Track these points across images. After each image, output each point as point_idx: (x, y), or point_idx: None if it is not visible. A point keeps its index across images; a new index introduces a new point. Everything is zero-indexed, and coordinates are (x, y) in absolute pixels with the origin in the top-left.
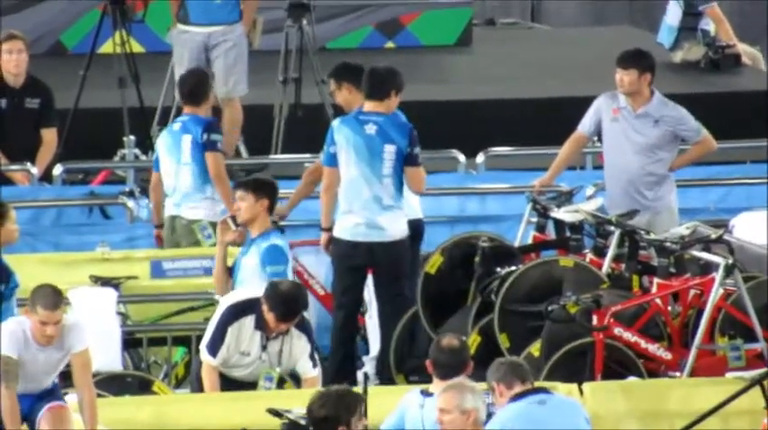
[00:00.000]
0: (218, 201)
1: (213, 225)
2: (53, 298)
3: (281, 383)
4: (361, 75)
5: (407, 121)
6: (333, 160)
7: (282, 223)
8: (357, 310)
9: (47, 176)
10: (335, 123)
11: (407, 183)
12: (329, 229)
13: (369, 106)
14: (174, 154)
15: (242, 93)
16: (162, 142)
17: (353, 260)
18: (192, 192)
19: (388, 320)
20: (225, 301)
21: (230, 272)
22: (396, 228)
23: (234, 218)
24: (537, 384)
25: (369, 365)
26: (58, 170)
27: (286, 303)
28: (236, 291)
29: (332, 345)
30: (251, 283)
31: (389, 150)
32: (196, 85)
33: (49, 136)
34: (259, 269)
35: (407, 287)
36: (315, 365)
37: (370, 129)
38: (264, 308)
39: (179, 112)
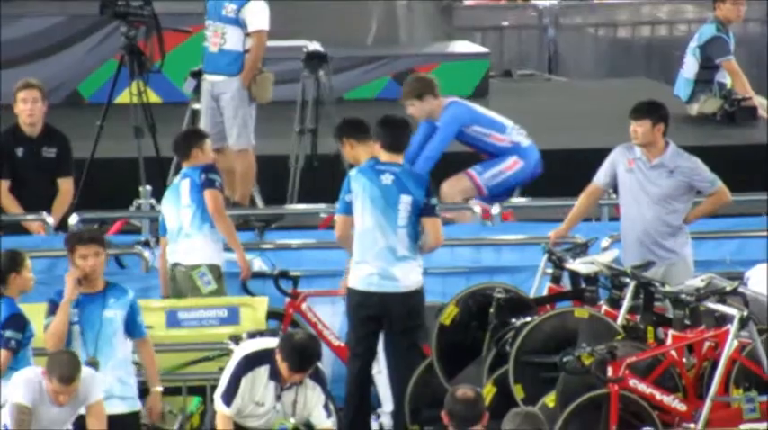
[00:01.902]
0: (216, 244)
1: (212, 269)
2: (69, 371)
3: None
4: (360, 128)
5: (424, 173)
6: (347, 208)
7: (296, 273)
8: (371, 361)
9: (63, 226)
10: (353, 172)
11: (426, 235)
12: None
13: (385, 157)
14: (174, 200)
15: (245, 145)
16: (164, 198)
17: (367, 310)
18: (192, 233)
19: (402, 372)
20: (240, 351)
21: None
22: (410, 279)
23: (83, 276)
24: None
25: (385, 418)
26: (73, 219)
27: (300, 354)
28: (250, 341)
29: (347, 396)
30: (120, 334)
31: (405, 201)
32: (181, 140)
33: (66, 185)
34: (123, 320)
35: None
36: (329, 415)
37: (387, 179)
38: (278, 358)
39: (178, 169)
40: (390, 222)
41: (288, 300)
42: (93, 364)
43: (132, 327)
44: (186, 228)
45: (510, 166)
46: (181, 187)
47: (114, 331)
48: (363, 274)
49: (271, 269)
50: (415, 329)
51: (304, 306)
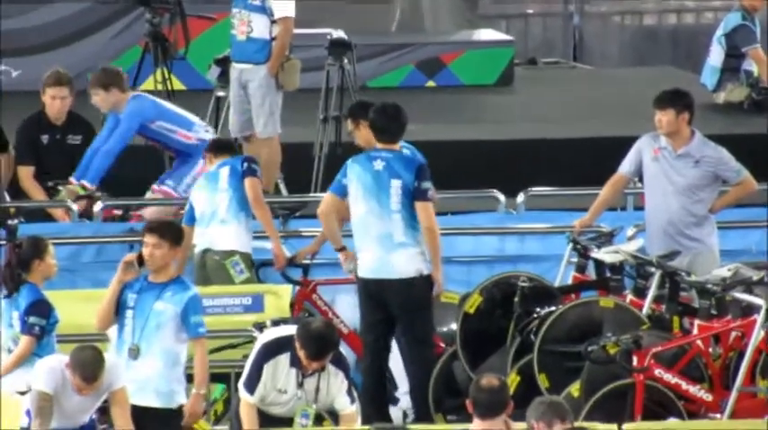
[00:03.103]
0: (249, 233)
1: (244, 259)
2: (92, 371)
3: (318, 420)
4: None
5: (419, 158)
6: (339, 189)
7: (308, 261)
8: (385, 350)
9: (87, 213)
10: (350, 161)
11: (419, 219)
12: (343, 248)
13: (380, 146)
14: (211, 186)
15: (272, 134)
16: (197, 185)
17: (370, 298)
18: (228, 219)
19: (410, 364)
20: (261, 339)
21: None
22: (408, 267)
23: (140, 259)
24: (577, 424)
25: (404, 400)
26: (98, 207)
27: (317, 342)
28: (271, 329)
29: (363, 384)
30: (169, 329)
31: (396, 185)
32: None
33: None
34: (177, 316)
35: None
36: (353, 401)
37: (378, 165)
38: (297, 346)
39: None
40: (384, 208)
41: (298, 288)
42: (134, 351)
43: (186, 326)
44: (222, 214)
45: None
46: (220, 173)
47: (160, 324)
48: (364, 262)
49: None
50: (418, 319)
51: (315, 295)
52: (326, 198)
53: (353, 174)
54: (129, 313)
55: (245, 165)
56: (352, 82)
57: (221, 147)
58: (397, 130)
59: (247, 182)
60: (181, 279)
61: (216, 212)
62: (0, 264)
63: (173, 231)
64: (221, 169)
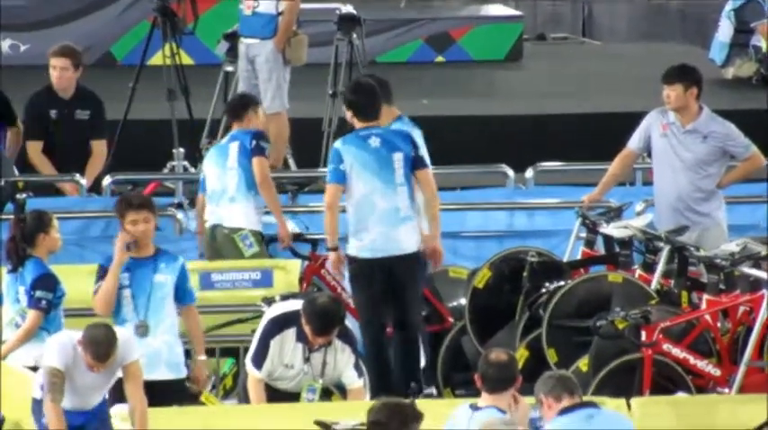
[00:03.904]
0: (259, 210)
1: (254, 234)
2: (105, 349)
3: (327, 395)
4: (387, 89)
5: (407, 128)
6: (341, 177)
7: (311, 236)
8: (384, 326)
9: (96, 187)
10: (338, 144)
11: (422, 187)
12: (336, 248)
13: (362, 125)
14: (220, 161)
15: (279, 108)
16: (209, 157)
17: (372, 277)
18: (237, 197)
19: (417, 330)
20: (267, 314)
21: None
22: (412, 241)
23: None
24: (585, 399)
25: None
26: (107, 181)
27: (321, 317)
28: (278, 303)
29: (367, 363)
30: (170, 299)
31: (398, 158)
32: (237, 101)
33: (99, 147)
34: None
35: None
36: (360, 375)
37: (375, 142)
38: (303, 321)
39: (227, 130)
40: (389, 183)
41: (307, 263)
42: (143, 328)
43: (182, 293)
44: (231, 192)
45: None
46: (229, 149)
47: (164, 296)
48: (365, 242)
49: (304, 232)
50: (416, 292)
51: (323, 270)
52: (332, 190)
53: (350, 156)
54: (125, 292)
55: (254, 143)
56: (361, 57)
57: (228, 111)
58: (379, 106)
59: (255, 161)
60: (164, 249)
61: (225, 190)
62: (3, 238)
63: (153, 203)
64: (231, 144)
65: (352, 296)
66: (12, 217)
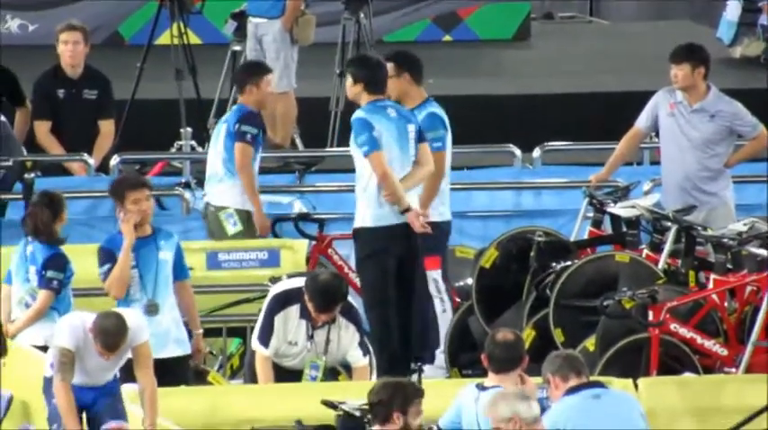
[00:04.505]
0: (249, 190)
1: (239, 213)
2: (114, 340)
3: (334, 375)
4: (419, 69)
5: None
6: (378, 143)
7: (318, 216)
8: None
9: (104, 167)
10: (362, 114)
11: (423, 162)
12: (410, 209)
13: (373, 97)
14: (213, 142)
15: (287, 88)
16: (211, 140)
17: (390, 245)
18: (224, 178)
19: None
20: (272, 291)
21: None
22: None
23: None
24: (592, 379)
25: (439, 358)
26: (114, 161)
27: (324, 294)
28: (283, 281)
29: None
30: (171, 276)
31: (411, 129)
32: (239, 72)
33: (107, 127)
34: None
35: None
36: (365, 354)
37: (392, 112)
38: (306, 297)
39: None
40: (405, 154)
41: (313, 243)
42: (153, 307)
43: (179, 270)
44: (219, 173)
45: None
46: (220, 130)
47: (168, 273)
48: (386, 210)
49: (312, 212)
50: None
51: (330, 249)
52: (378, 158)
53: (378, 125)
54: (133, 273)
55: (236, 126)
56: (369, 36)
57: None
58: (387, 79)
59: (236, 147)
60: (159, 227)
61: (215, 172)
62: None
63: (149, 182)
64: (221, 125)
65: (361, 274)
66: (20, 196)
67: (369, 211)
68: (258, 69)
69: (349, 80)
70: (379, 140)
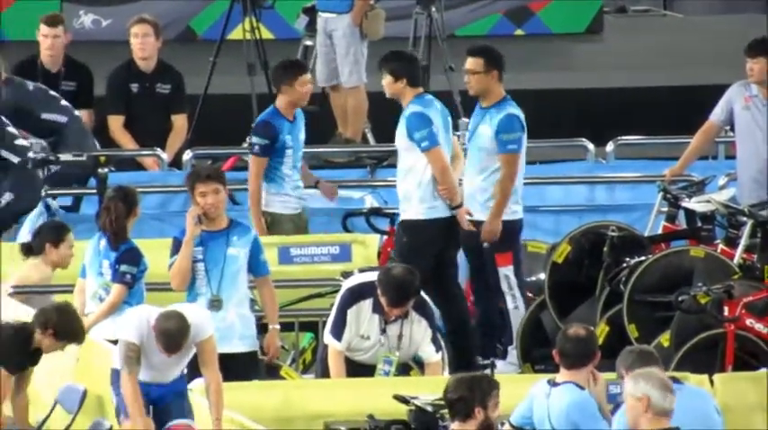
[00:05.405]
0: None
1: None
2: (175, 342)
3: (405, 370)
4: (502, 66)
5: None
6: (438, 138)
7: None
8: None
9: (176, 162)
10: (419, 108)
11: (458, 155)
12: (462, 205)
13: (416, 91)
14: None
15: (357, 83)
16: None
17: (443, 238)
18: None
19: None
20: (344, 285)
21: None
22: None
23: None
24: (667, 374)
25: (510, 356)
26: (187, 155)
27: (397, 288)
28: (355, 275)
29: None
30: (243, 272)
31: (450, 121)
32: (273, 72)
33: (180, 121)
34: (247, 258)
35: None
36: (438, 350)
37: (438, 105)
38: (378, 291)
39: None
40: (449, 145)
41: (385, 237)
42: (216, 302)
43: (256, 265)
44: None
45: None
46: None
47: (238, 269)
48: (439, 202)
49: (383, 206)
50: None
51: None
52: (439, 153)
53: (435, 119)
54: (199, 266)
55: (249, 139)
56: (440, 31)
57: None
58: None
59: (249, 159)
60: (237, 221)
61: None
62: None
63: (223, 175)
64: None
65: (410, 265)
66: (94, 191)
67: (424, 205)
68: (294, 68)
69: (388, 77)
70: (437, 135)
